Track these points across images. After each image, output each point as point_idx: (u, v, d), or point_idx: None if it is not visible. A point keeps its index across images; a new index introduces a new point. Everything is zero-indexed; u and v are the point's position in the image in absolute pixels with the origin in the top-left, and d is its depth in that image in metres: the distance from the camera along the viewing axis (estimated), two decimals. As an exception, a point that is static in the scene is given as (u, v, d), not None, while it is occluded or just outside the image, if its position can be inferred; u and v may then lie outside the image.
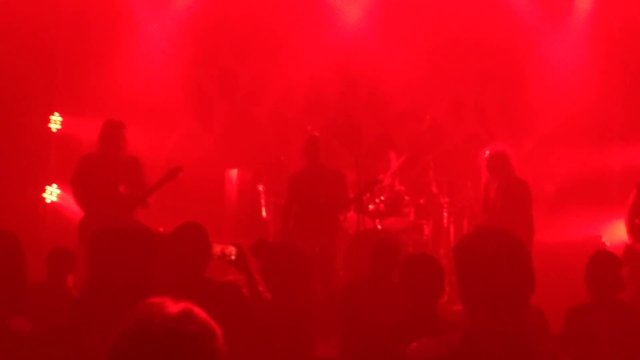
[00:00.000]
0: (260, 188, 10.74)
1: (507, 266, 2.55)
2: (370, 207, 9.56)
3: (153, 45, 11.62)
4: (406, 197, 9.85)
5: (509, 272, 2.55)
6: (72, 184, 8.25)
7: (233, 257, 4.61)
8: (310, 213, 8.54)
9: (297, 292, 7.35)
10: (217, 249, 4.60)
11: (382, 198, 9.61)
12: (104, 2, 11.36)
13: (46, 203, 10.56)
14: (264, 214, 10.63)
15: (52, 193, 10.56)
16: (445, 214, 10.09)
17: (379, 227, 9.61)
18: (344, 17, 11.97)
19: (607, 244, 9.41)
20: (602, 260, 5.39)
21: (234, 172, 11.14)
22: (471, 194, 9.94)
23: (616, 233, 9.13)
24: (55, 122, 10.74)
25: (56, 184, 10.58)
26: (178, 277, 4.40)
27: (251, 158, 11.34)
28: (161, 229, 9.78)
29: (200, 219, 4.74)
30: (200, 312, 1.81)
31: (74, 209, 8.70)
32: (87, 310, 3.08)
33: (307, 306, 7.35)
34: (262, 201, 10.68)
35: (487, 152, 8.60)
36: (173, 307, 1.77)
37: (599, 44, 11.44)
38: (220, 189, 11.25)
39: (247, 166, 11.19)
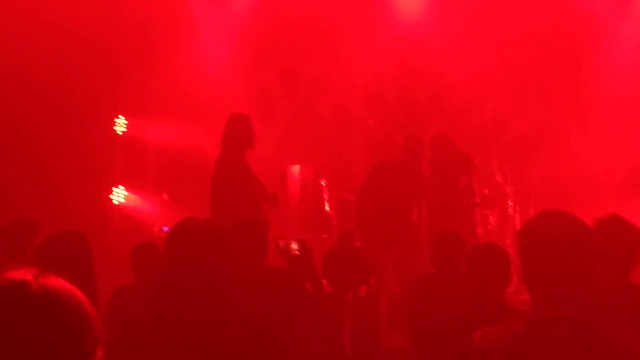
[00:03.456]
0: (323, 183, 10.76)
1: (572, 249, 2.50)
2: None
3: (214, 45, 11.73)
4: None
5: (574, 256, 2.50)
6: (240, 186, 7.66)
7: (297, 252, 4.66)
8: (389, 209, 8.43)
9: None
10: (282, 243, 4.66)
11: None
12: (165, 3, 11.51)
13: (114, 205, 10.74)
14: (327, 208, 10.64)
15: (119, 194, 10.73)
16: (510, 203, 9.97)
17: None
18: (404, 10, 11.90)
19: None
20: None
21: (296, 168, 11.18)
22: (536, 182, 9.80)
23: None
24: (120, 124, 10.91)
25: (123, 185, 10.76)
26: (239, 269, 4.47)
27: (313, 153, 11.37)
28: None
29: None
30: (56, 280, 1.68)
31: (139, 209, 8.74)
32: (161, 302, 3.12)
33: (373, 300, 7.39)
34: (325, 196, 10.69)
35: None
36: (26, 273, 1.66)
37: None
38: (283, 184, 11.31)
39: (309, 162, 11.22)
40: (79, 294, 1.69)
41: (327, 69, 12.20)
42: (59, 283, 1.66)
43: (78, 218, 8.53)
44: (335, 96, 12.26)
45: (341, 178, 10.61)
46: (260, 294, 4.25)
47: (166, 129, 11.09)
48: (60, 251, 3.88)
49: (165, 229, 10.08)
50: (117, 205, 10.74)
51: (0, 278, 1.64)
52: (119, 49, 10.93)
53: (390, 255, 8.36)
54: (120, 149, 10.93)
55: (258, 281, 4.48)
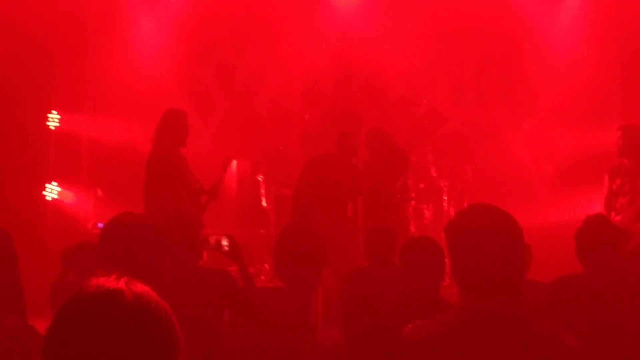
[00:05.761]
0: (260, 178, 10.73)
1: (499, 242, 2.53)
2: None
3: (149, 40, 11.61)
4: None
5: (501, 248, 2.53)
6: (172, 183, 7.52)
7: (226, 248, 4.63)
8: (325, 203, 8.43)
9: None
10: (212, 239, 4.64)
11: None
12: (99, -2, 11.38)
13: (47, 201, 10.56)
14: (264, 203, 10.62)
15: (52, 191, 10.56)
16: (445, 198, 10.10)
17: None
18: (340, 4, 11.94)
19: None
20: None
21: (233, 163, 11.13)
22: (470, 177, 9.95)
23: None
24: (53, 119, 10.72)
25: (56, 181, 10.59)
26: (171, 266, 4.46)
27: (250, 148, 11.34)
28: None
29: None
30: (141, 285, 1.70)
31: (73, 205, 8.60)
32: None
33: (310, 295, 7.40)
34: (262, 191, 10.67)
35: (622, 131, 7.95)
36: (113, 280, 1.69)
37: (595, 22, 11.41)
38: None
39: (246, 157, 11.18)
40: (163, 302, 1.70)
41: (264, 64, 12.16)
42: (147, 291, 1.68)
43: (10, 215, 8.38)
44: (272, 91, 12.24)
45: (278, 173, 10.61)
46: (193, 291, 4.24)
47: (100, 124, 10.96)
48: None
49: (100, 225, 9.93)
50: (51, 201, 10.57)
51: (91, 285, 1.65)
52: (52, 42, 10.76)
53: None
54: (53, 144, 10.76)
55: (190, 278, 4.47)
